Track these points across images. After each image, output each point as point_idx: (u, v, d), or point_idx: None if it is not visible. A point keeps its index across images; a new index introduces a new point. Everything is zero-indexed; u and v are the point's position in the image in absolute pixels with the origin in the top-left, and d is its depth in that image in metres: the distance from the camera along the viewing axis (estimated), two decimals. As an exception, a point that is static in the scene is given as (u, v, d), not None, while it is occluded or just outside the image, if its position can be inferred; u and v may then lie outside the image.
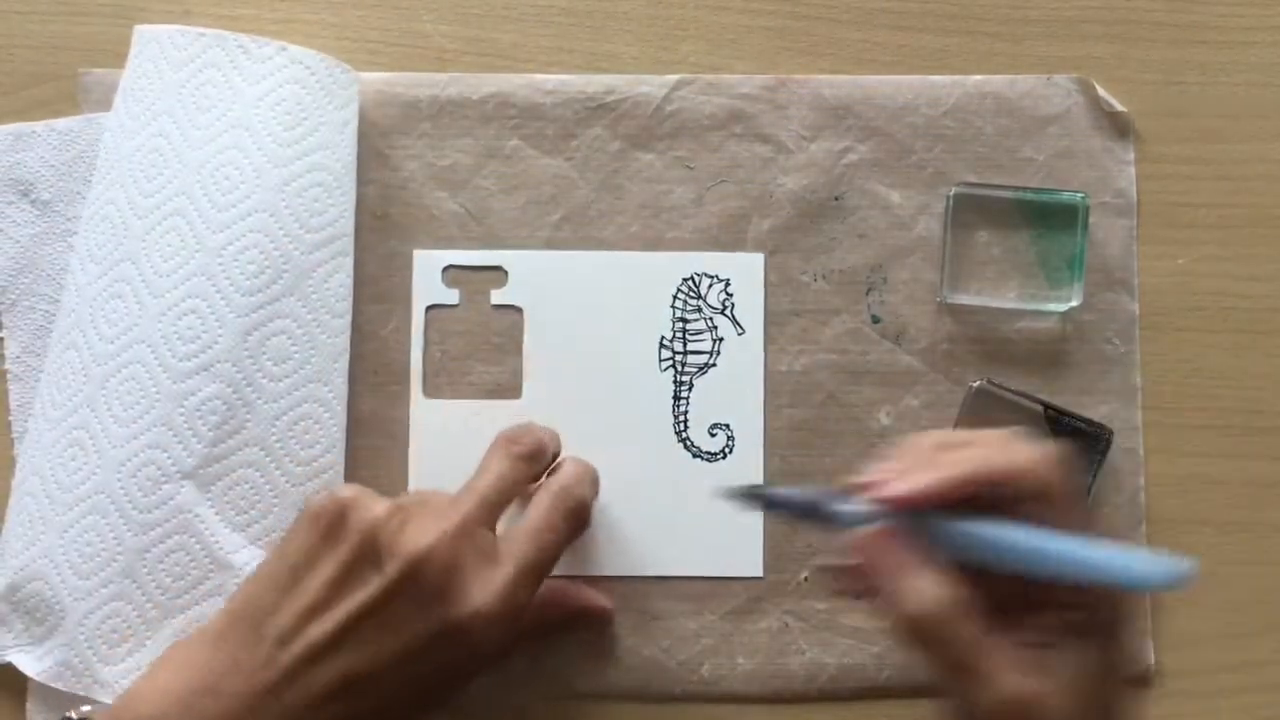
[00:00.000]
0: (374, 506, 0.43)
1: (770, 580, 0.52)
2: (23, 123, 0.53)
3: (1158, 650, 0.52)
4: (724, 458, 0.53)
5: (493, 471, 0.46)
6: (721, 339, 0.53)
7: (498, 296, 0.53)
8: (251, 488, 0.48)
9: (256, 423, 0.48)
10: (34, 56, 0.53)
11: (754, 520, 0.52)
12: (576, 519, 0.47)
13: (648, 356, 0.53)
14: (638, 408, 0.52)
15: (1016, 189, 0.53)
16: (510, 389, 0.52)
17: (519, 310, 0.53)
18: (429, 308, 0.52)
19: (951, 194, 0.53)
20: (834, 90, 0.54)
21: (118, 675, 0.48)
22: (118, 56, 0.53)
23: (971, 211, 0.53)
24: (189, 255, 0.48)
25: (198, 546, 0.48)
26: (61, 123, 0.53)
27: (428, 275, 0.53)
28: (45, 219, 0.53)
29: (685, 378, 0.53)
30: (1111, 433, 0.52)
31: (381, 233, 0.53)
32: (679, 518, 0.52)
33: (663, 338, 0.53)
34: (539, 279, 0.53)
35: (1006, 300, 0.53)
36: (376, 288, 0.52)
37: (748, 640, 0.52)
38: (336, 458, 0.50)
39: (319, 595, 0.42)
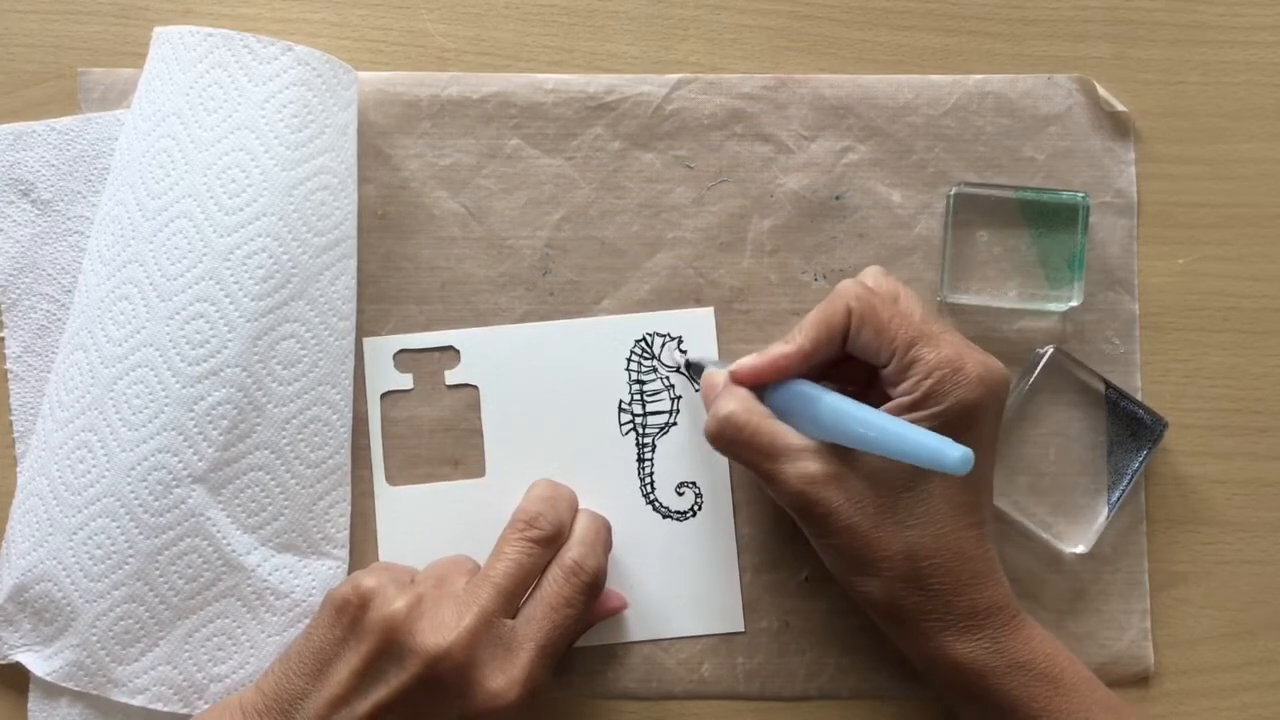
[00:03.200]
0: (394, 599, 0.45)
1: (770, 580, 0.52)
2: (23, 122, 0.53)
3: (1157, 650, 0.52)
4: (694, 515, 0.52)
5: (509, 558, 0.47)
6: (680, 396, 0.53)
7: (452, 377, 0.53)
8: (262, 490, 0.49)
9: (266, 426, 0.48)
10: (34, 56, 0.53)
11: (730, 574, 0.52)
12: (591, 591, 0.47)
13: (608, 422, 0.53)
14: (603, 474, 0.52)
15: (1017, 188, 0.53)
16: (473, 467, 0.52)
17: (474, 388, 0.53)
18: (384, 395, 0.52)
19: (952, 193, 0.53)
20: (834, 90, 0.54)
21: (132, 674, 0.48)
22: (118, 56, 0.53)
23: (972, 211, 0.53)
24: (197, 258, 0.48)
25: (210, 549, 0.48)
26: (61, 122, 0.53)
27: (380, 362, 0.52)
28: (45, 219, 0.53)
29: (647, 439, 0.53)
30: (1166, 424, 0.52)
31: (382, 232, 0.53)
32: (654, 580, 0.52)
33: (621, 401, 0.53)
34: (491, 355, 0.53)
35: (1007, 300, 0.53)
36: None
37: (748, 640, 0.52)
38: (345, 459, 0.51)
39: (344, 687, 0.44)
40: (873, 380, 0.48)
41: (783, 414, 0.47)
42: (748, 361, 0.48)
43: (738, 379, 0.48)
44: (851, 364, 0.48)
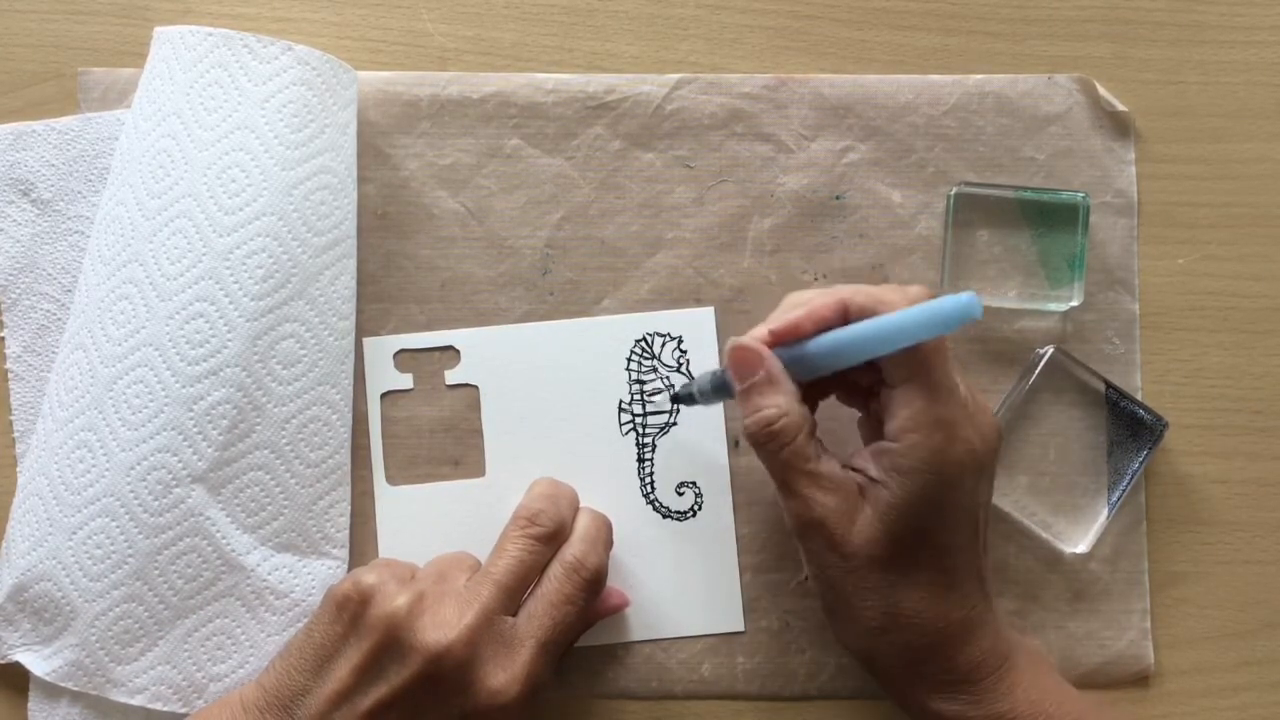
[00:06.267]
0: (395, 596, 0.45)
1: (770, 581, 0.52)
2: (23, 122, 0.53)
3: (1157, 650, 0.52)
4: (694, 515, 0.52)
5: (511, 555, 0.47)
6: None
7: (452, 376, 0.52)
8: (262, 490, 0.49)
9: (266, 426, 0.48)
10: (34, 56, 0.53)
11: (730, 574, 0.52)
12: (592, 588, 0.47)
13: (608, 422, 0.53)
14: (603, 474, 0.52)
15: (1017, 188, 0.53)
16: (473, 467, 0.52)
17: (474, 388, 0.53)
18: (384, 394, 0.52)
19: (952, 193, 0.53)
20: (834, 90, 0.54)
21: (131, 674, 0.48)
22: (118, 56, 0.53)
23: (972, 211, 0.53)
24: (196, 258, 0.48)
25: (209, 549, 0.48)
26: (61, 122, 0.53)
27: (380, 362, 0.52)
28: (45, 218, 0.53)
29: (647, 439, 0.53)
30: (1166, 424, 0.52)
31: (382, 232, 0.53)
32: (654, 580, 0.52)
33: (621, 401, 0.53)
34: (491, 355, 0.53)
35: (1007, 300, 0.53)
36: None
37: (748, 640, 0.52)
38: (345, 459, 0.51)
39: (345, 683, 0.44)
40: (867, 406, 0.47)
41: (788, 361, 0.45)
42: (791, 317, 0.44)
43: (778, 335, 0.45)
44: (848, 394, 0.48)
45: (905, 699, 0.47)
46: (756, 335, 0.45)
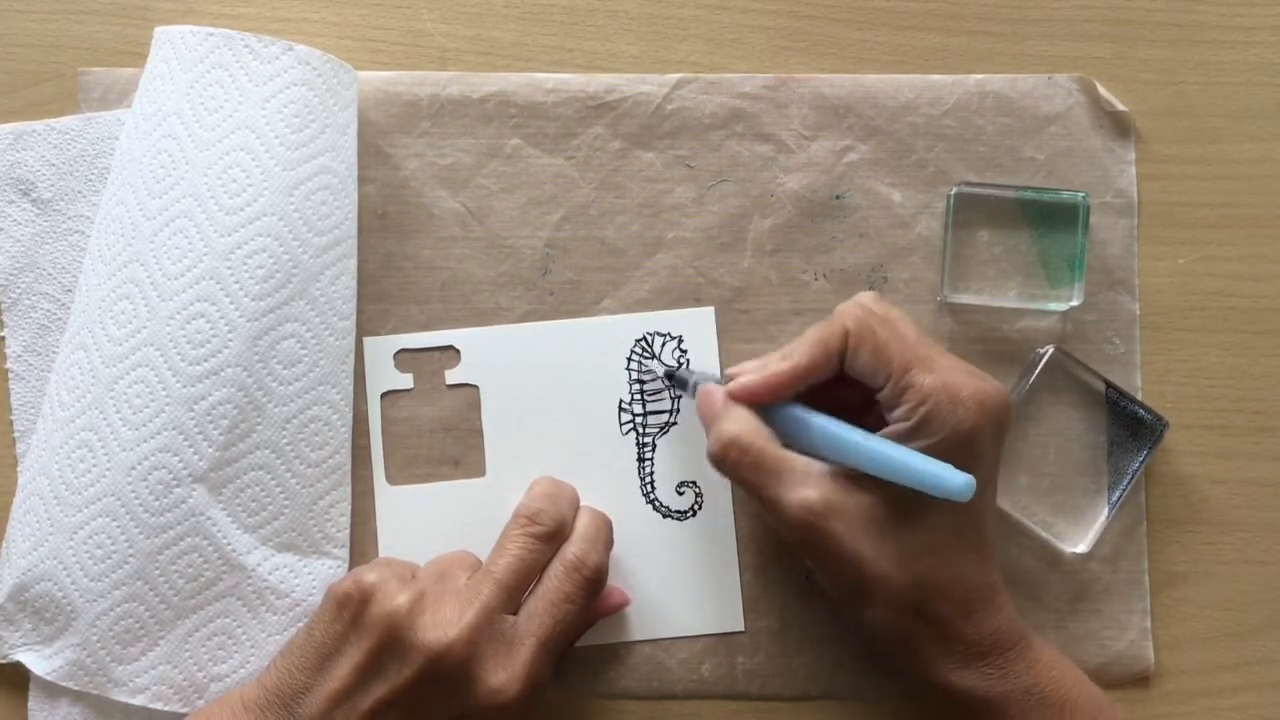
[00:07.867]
0: (396, 595, 0.45)
1: (770, 580, 0.52)
2: (23, 122, 0.53)
3: (1158, 650, 0.52)
4: (694, 515, 0.52)
5: (512, 554, 0.47)
6: (680, 396, 0.53)
7: (452, 376, 0.52)
8: (263, 490, 0.49)
9: (267, 426, 0.48)
10: (34, 56, 0.53)
11: (730, 573, 0.52)
12: (593, 587, 0.47)
13: (608, 421, 0.53)
14: (603, 473, 0.52)
15: (1017, 188, 0.53)
16: (473, 467, 0.52)
17: (474, 388, 0.53)
18: (384, 394, 0.52)
19: (952, 193, 0.53)
20: (834, 89, 0.54)
21: (132, 674, 0.48)
22: (118, 56, 0.53)
23: (972, 211, 0.53)
24: (197, 258, 0.48)
25: (210, 548, 0.48)
26: (61, 122, 0.53)
27: (380, 362, 0.52)
28: (45, 218, 0.53)
29: (647, 439, 0.53)
30: (1166, 424, 0.52)
31: (382, 232, 0.53)
32: (654, 580, 0.52)
33: (621, 401, 0.53)
34: (491, 355, 0.52)
35: (1007, 300, 0.53)
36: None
37: (748, 640, 0.52)
38: (345, 459, 0.51)
39: (346, 681, 0.44)
40: (870, 405, 0.47)
41: (779, 434, 0.47)
42: (745, 380, 0.47)
43: (735, 397, 0.47)
44: (849, 388, 0.48)
45: (927, 677, 0.46)
46: (720, 389, 0.48)
